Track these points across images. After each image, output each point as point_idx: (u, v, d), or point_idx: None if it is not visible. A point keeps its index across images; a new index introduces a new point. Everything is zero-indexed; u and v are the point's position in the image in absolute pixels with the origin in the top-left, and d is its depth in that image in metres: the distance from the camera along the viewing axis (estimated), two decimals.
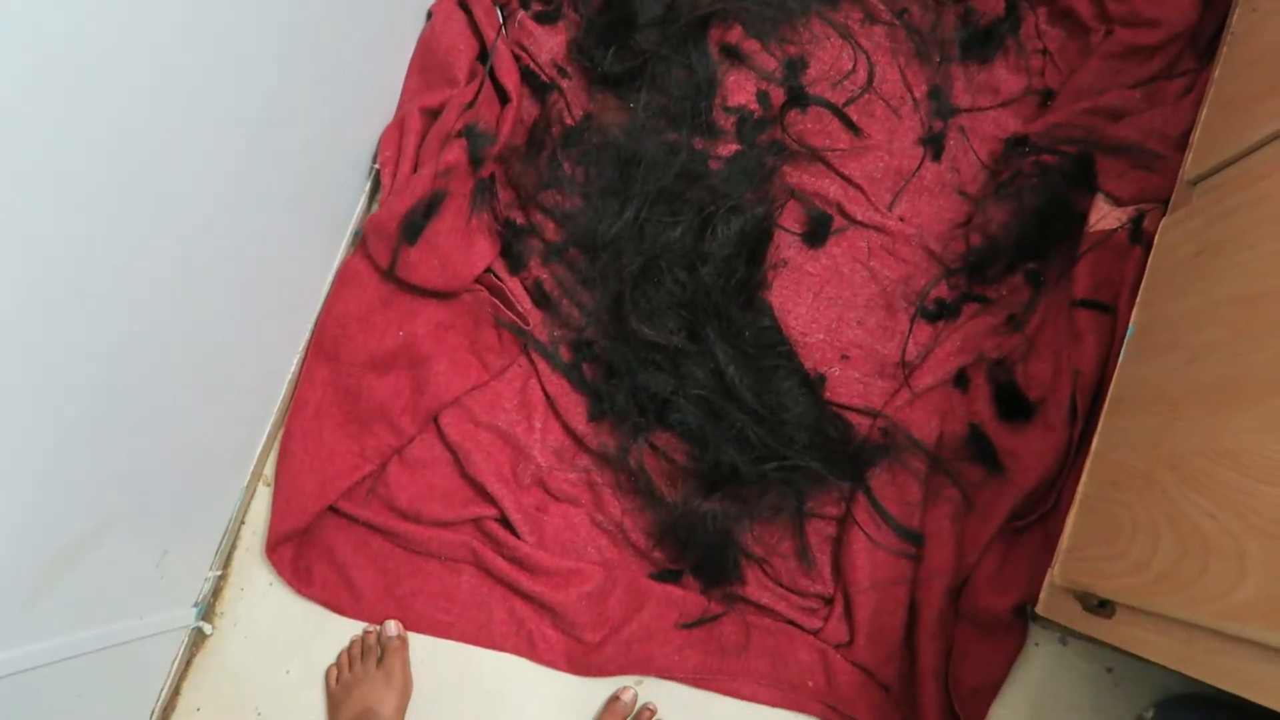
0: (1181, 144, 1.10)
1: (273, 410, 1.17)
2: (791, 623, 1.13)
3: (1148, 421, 0.91)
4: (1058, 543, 1.01)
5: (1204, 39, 1.17)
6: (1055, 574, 1.00)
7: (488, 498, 1.15)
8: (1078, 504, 1.00)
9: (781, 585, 1.14)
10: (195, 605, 1.13)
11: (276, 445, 1.18)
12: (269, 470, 1.19)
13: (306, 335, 1.19)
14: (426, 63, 1.22)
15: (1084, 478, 1.01)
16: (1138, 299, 1.03)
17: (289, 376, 1.18)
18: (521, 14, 1.24)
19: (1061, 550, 1.00)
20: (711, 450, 1.11)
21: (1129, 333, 1.02)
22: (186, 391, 0.94)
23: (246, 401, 1.13)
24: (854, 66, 1.25)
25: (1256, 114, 0.92)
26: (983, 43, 1.23)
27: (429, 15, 1.24)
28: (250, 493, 1.18)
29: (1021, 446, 1.10)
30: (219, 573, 1.16)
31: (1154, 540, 0.82)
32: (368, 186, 1.22)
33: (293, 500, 1.14)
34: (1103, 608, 0.90)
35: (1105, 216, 1.10)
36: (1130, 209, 1.10)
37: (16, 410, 0.69)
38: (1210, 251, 0.91)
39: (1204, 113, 1.07)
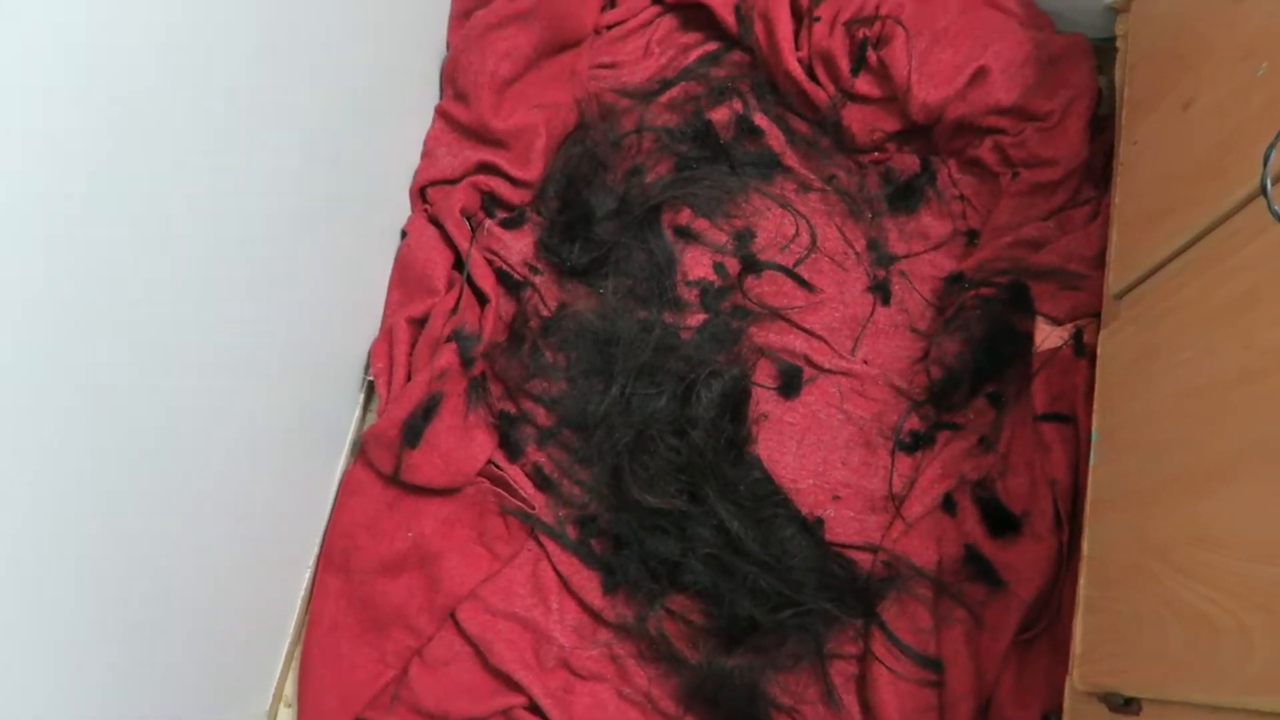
0: (1098, 263, 1.22)
1: (288, 629, 1.18)
2: None
3: (1129, 518, 0.97)
4: (1069, 649, 1.05)
5: (1097, 168, 1.32)
6: (1074, 680, 1.03)
7: (514, 686, 1.15)
8: (1082, 607, 1.05)
9: None
10: None
11: (295, 664, 1.18)
12: (289, 691, 1.18)
13: (315, 550, 1.21)
14: (406, 277, 1.31)
15: (1082, 581, 1.06)
16: (1095, 407, 1.12)
17: (301, 593, 1.20)
18: (489, 223, 1.35)
19: (1075, 655, 1.04)
20: (727, 605, 1.15)
21: (1094, 438, 1.10)
22: (195, 622, 0.95)
23: (260, 624, 1.14)
24: (796, 231, 1.37)
25: (1159, 232, 1.05)
26: (906, 196, 1.37)
27: (403, 234, 1.34)
28: (272, 717, 1.17)
29: (1016, 559, 1.15)
30: None
31: (1161, 630, 0.87)
32: (361, 398, 1.28)
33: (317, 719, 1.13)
34: (1128, 705, 0.93)
35: (1049, 336, 1.20)
36: (1069, 326, 1.20)
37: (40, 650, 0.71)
38: (1148, 357, 1.01)
39: (1114, 233, 1.19)
